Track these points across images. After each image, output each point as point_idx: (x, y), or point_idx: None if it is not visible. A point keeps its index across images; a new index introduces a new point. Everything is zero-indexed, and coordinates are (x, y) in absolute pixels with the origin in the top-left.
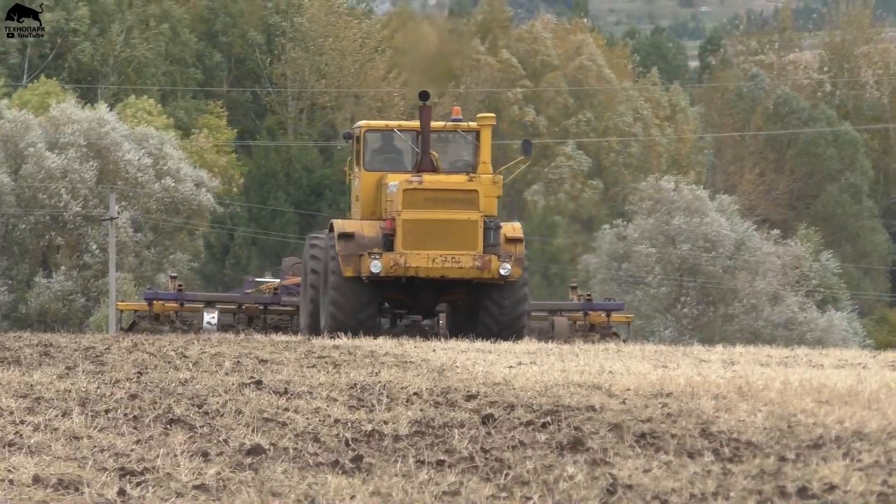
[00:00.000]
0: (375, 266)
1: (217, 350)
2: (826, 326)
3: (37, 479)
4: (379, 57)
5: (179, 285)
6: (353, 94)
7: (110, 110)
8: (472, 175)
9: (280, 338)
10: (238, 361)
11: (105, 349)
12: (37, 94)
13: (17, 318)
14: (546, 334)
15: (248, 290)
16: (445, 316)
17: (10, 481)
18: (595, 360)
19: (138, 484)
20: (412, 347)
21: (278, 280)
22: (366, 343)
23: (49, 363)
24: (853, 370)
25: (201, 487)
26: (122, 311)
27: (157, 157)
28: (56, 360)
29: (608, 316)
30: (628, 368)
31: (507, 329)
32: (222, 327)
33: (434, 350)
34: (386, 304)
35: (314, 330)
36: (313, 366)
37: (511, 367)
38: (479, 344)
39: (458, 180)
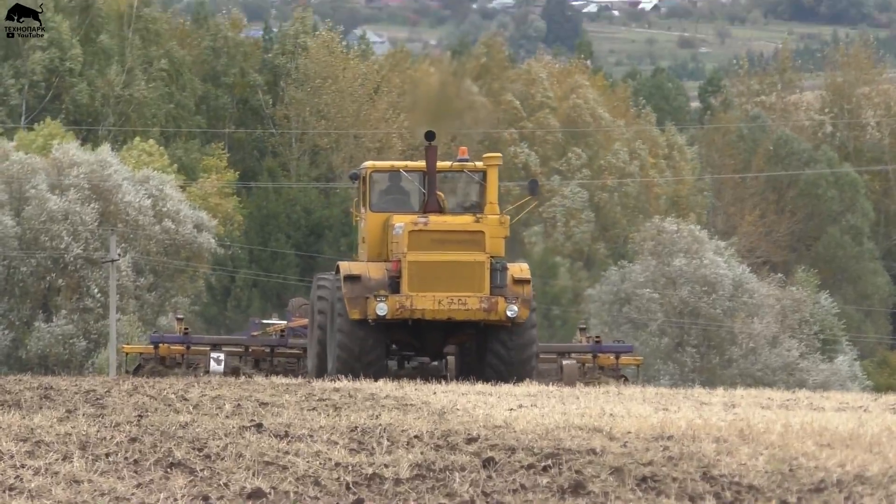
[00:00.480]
0: (381, 309)
1: (217, 393)
2: (829, 375)
3: None
4: (378, 97)
5: (185, 328)
6: (352, 134)
7: (113, 151)
8: (478, 216)
9: (280, 380)
10: (238, 404)
11: (105, 392)
12: (41, 136)
13: (16, 360)
14: (554, 377)
15: (255, 333)
16: (454, 358)
17: None
18: (596, 402)
19: None
20: (413, 390)
21: (285, 322)
22: (366, 386)
23: (49, 406)
24: (854, 413)
25: None
26: (126, 353)
27: (156, 199)
28: (56, 403)
29: (617, 358)
30: (629, 411)
31: (515, 371)
32: (228, 370)
33: (435, 393)
34: (394, 347)
35: (322, 372)
36: (314, 409)
37: (512, 409)
38: (479, 386)
39: (464, 221)
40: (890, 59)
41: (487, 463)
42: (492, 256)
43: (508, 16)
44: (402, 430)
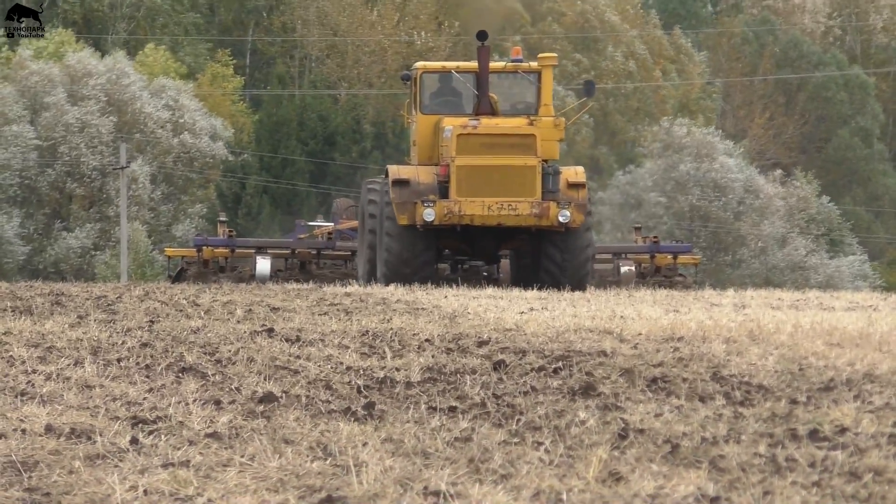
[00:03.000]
0: (429, 214)
1: (229, 298)
2: (834, 271)
3: (49, 429)
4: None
5: (230, 230)
6: (349, 42)
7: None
8: (532, 118)
9: (291, 285)
10: (250, 309)
11: (117, 298)
12: (52, 43)
13: (32, 270)
14: (611, 279)
15: (301, 235)
16: (508, 262)
17: (23, 430)
18: (606, 305)
19: (150, 432)
20: (423, 294)
21: (332, 224)
22: (378, 291)
23: (61, 312)
24: (864, 313)
25: (213, 436)
26: (169, 257)
27: (173, 109)
28: (68, 308)
29: (675, 258)
30: (640, 313)
31: (570, 278)
32: (274, 274)
33: (446, 297)
34: (446, 251)
35: (372, 276)
36: (325, 313)
37: (522, 313)
38: (490, 290)
39: (515, 124)
40: None
41: (498, 366)
42: (544, 160)
43: None
44: (413, 334)
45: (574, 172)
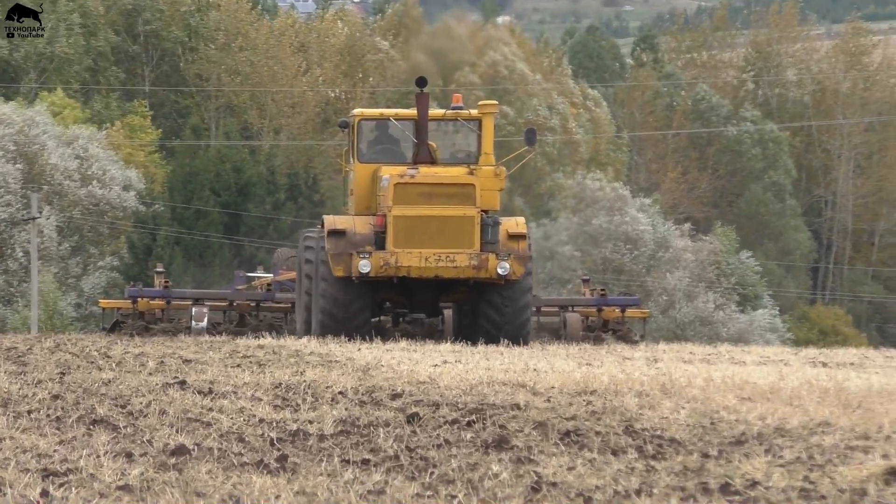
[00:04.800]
0: (364, 266)
1: (140, 350)
2: (746, 326)
3: None
4: (291, 54)
5: (166, 282)
6: (268, 92)
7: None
8: (472, 167)
9: (204, 338)
10: (162, 361)
11: (27, 349)
12: None
13: None
14: (557, 332)
15: (239, 287)
16: (451, 315)
17: None
18: (520, 358)
19: (61, 485)
20: (337, 346)
21: (271, 276)
22: (290, 343)
23: None
24: (775, 367)
25: (125, 488)
26: (104, 309)
27: (82, 159)
28: None
29: (623, 312)
30: (553, 366)
31: (509, 331)
32: (212, 326)
33: (359, 349)
34: (387, 304)
35: (311, 329)
36: (238, 365)
37: (436, 365)
38: (403, 343)
39: (454, 173)
40: (814, 17)
41: (412, 418)
42: (484, 210)
43: None
44: (327, 387)
45: (515, 223)
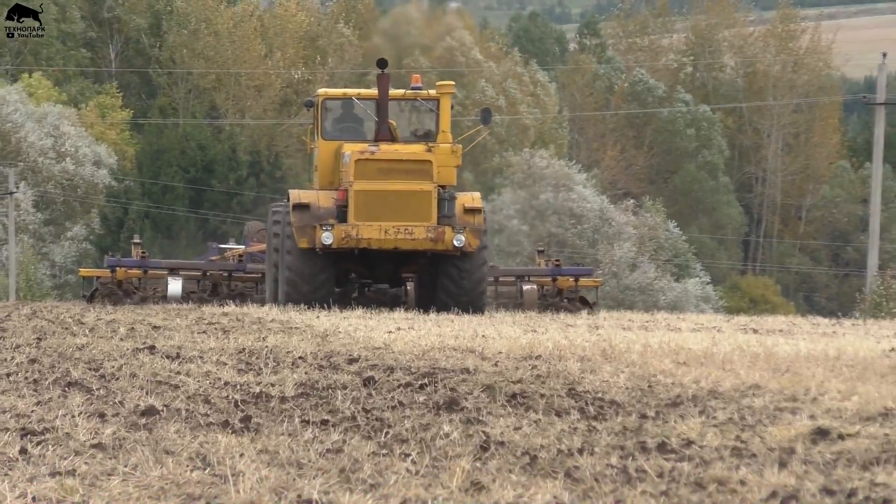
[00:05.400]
0: (327, 238)
1: (112, 317)
2: (681, 295)
3: None
4: (254, 39)
5: (143, 252)
6: (233, 74)
7: (12, 84)
8: (430, 144)
9: (172, 305)
10: (132, 328)
11: (6, 316)
12: None
13: None
14: (514, 301)
15: (213, 258)
16: (413, 285)
17: None
18: (469, 325)
19: (38, 443)
20: (297, 314)
21: (243, 247)
22: (253, 311)
23: None
24: (708, 333)
25: (98, 446)
26: (83, 277)
27: (56, 137)
28: None
29: (577, 281)
30: (500, 333)
31: (467, 301)
32: (186, 295)
33: (318, 317)
34: (352, 275)
35: (279, 299)
36: (204, 332)
37: (390, 332)
38: (359, 311)
39: (412, 150)
40: (750, 5)
41: (368, 382)
42: (441, 186)
43: None
44: (287, 352)
45: (471, 198)
